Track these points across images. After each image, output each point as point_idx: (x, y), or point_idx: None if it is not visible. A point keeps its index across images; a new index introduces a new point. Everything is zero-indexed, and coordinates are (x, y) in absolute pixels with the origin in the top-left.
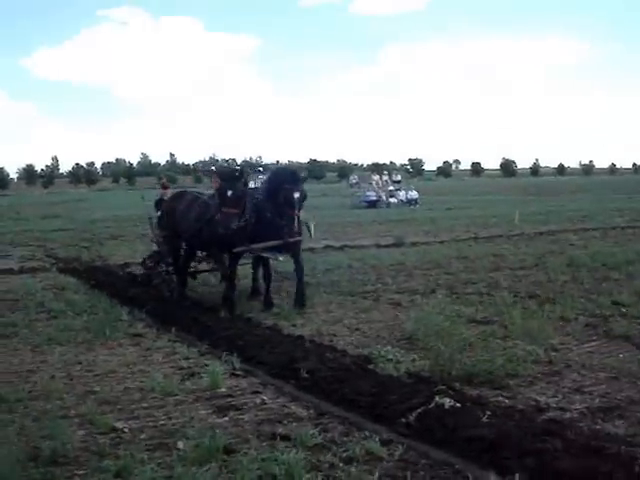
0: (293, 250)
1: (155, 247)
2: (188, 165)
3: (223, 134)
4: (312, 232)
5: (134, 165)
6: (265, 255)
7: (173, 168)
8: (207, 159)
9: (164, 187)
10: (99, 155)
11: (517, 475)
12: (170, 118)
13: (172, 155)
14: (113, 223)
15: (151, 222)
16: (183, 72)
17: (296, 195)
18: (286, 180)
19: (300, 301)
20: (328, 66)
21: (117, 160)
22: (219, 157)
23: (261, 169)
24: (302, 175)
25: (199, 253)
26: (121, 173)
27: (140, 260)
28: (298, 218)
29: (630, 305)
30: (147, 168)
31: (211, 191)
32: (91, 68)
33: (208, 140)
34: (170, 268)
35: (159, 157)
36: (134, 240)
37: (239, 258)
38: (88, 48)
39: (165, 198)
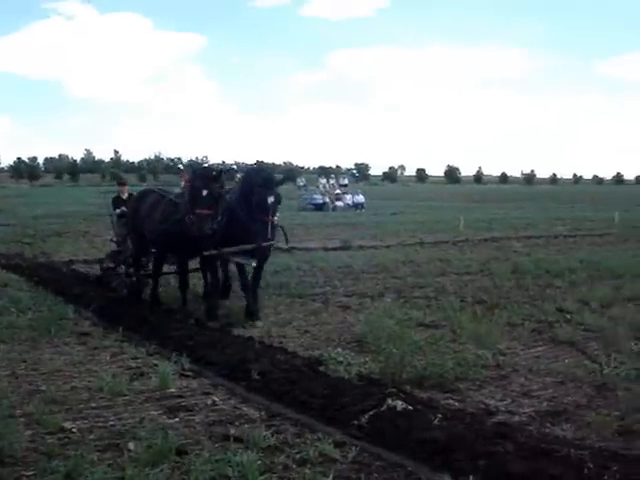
0: (264, 256)
1: (114, 247)
2: (133, 163)
3: (169, 133)
4: (287, 237)
5: (77, 161)
6: (237, 260)
7: (117, 165)
8: (152, 157)
9: (121, 184)
10: (42, 150)
11: (470, 477)
12: (115, 115)
13: (117, 152)
14: (56, 219)
15: (112, 221)
16: (130, 69)
17: (270, 199)
18: (260, 182)
19: (251, 312)
20: (276, 68)
21: (60, 156)
22: (164, 156)
23: (235, 168)
24: (278, 178)
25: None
26: (64, 169)
27: (97, 259)
28: (272, 223)
29: (574, 312)
30: (91, 165)
31: (178, 190)
32: (36, 62)
33: (153, 139)
34: (130, 269)
35: (103, 154)
36: (78, 237)
37: (213, 262)
38: (33, 41)
39: (123, 196)
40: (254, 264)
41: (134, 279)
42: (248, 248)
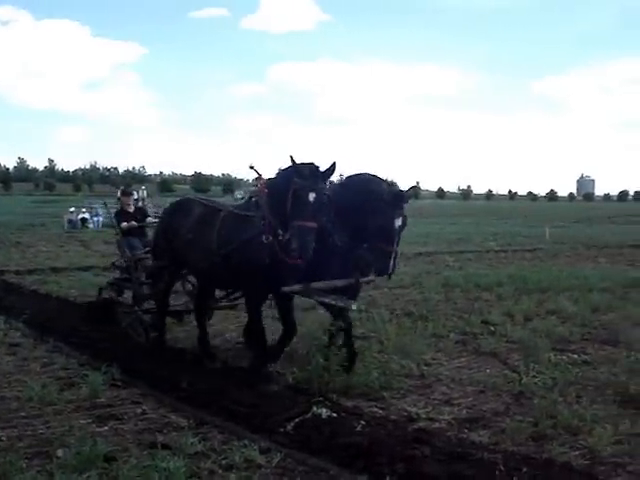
0: (355, 296)
1: (117, 274)
2: (67, 172)
3: (105, 143)
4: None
5: (10, 170)
6: (329, 301)
7: (52, 175)
8: (87, 167)
9: (126, 194)
10: None
11: (387, 478)
12: (50, 123)
13: (51, 161)
14: None
15: (119, 243)
16: (67, 77)
17: (398, 223)
18: (384, 198)
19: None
20: (217, 79)
21: None
22: (100, 166)
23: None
24: (406, 193)
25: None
26: None
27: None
28: (396, 255)
29: (499, 324)
30: (24, 174)
31: (239, 199)
32: None
33: (89, 148)
34: (144, 305)
35: (37, 163)
36: (10, 248)
37: (288, 301)
38: None
39: (128, 209)
40: (354, 306)
41: (143, 318)
42: (345, 284)
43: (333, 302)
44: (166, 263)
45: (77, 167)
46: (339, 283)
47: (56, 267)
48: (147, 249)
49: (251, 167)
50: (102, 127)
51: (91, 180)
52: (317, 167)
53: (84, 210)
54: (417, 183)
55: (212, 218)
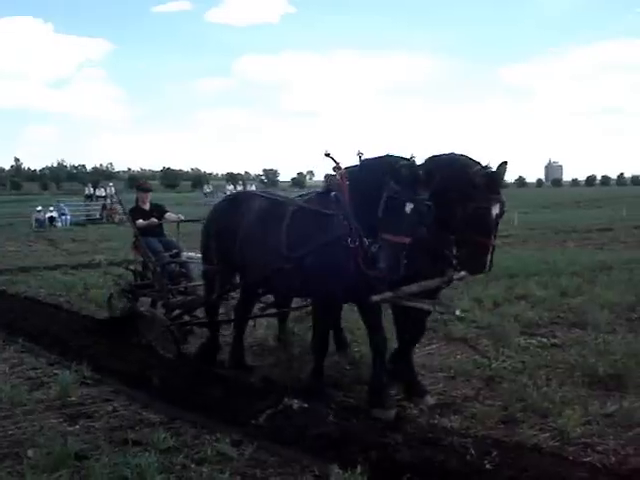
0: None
1: (131, 278)
2: (34, 171)
3: (72, 140)
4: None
5: None
6: (432, 309)
7: (18, 174)
8: (54, 165)
9: (144, 190)
10: None
11: (359, 467)
12: (16, 122)
13: (17, 160)
14: None
15: (137, 244)
16: (31, 74)
17: (495, 211)
18: (478, 184)
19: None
20: (183, 74)
21: None
22: (67, 164)
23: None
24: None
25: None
26: None
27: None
28: (493, 249)
29: (468, 310)
30: None
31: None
32: None
33: (56, 146)
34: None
35: (3, 162)
36: None
37: (377, 311)
38: None
39: (144, 207)
40: (458, 312)
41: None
42: (435, 284)
43: (432, 308)
44: (220, 268)
45: (44, 165)
46: (432, 284)
47: (24, 267)
48: (175, 251)
49: (327, 154)
50: (69, 125)
51: (59, 178)
52: (417, 168)
53: (52, 209)
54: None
55: (278, 214)
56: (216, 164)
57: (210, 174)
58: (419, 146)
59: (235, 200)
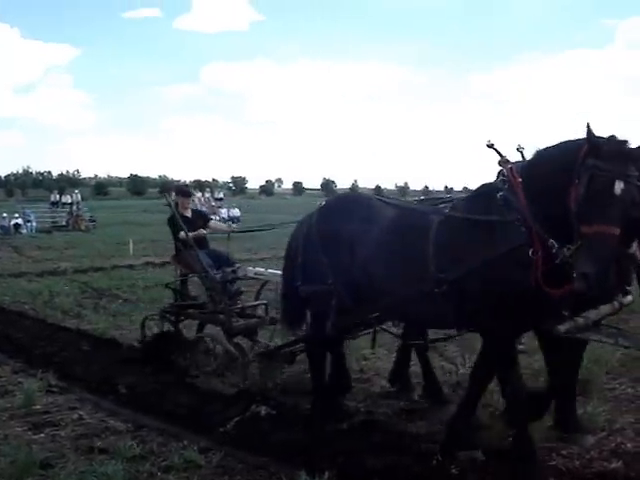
0: None
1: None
2: None
3: (38, 146)
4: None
5: None
6: (626, 345)
7: None
8: (20, 172)
9: (185, 195)
10: None
11: (327, 473)
12: None
13: None
14: None
15: (183, 258)
16: None
17: None
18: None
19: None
20: (151, 80)
21: None
22: (33, 170)
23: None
24: None
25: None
26: None
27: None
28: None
29: None
30: None
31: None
32: None
33: (22, 152)
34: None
35: None
36: None
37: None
38: None
39: (186, 213)
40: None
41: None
42: (611, 310)
43: (626, 344)
44: (331, 288)
45: (9, 172)
46: (605, 310)
47: None
48: (237, 266)
49: (490, 146)
50: (35, 131)
51: (24, 185)
52: (625, 143)
53: (17, 215)
54: (355, 181)
55: (419, 225)
56: (183, 171)
57: (178, 181)
58: (384, 153)
59: (348, 204)
